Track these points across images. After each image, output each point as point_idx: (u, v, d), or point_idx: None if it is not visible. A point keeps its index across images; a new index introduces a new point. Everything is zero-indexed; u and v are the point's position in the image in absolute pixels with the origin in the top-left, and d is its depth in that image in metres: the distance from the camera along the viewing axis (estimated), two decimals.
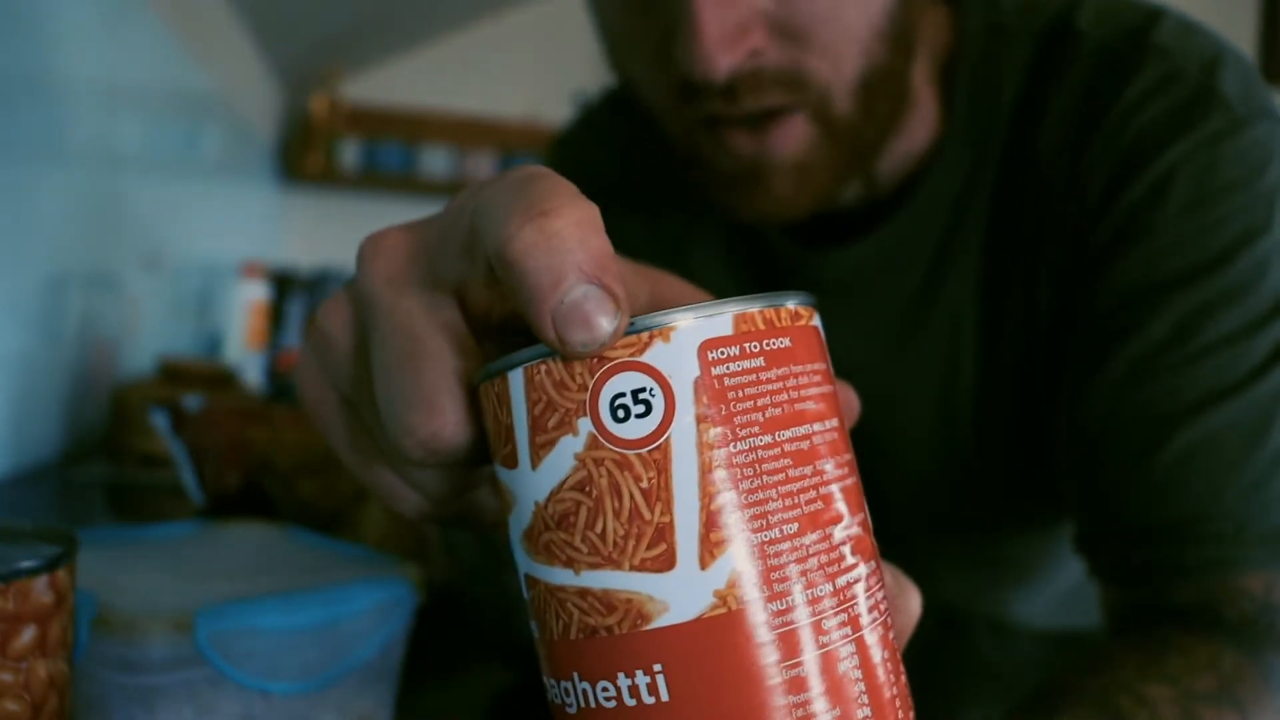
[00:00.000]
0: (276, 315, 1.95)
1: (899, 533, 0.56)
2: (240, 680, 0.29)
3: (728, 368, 0.16)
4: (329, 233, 2.39)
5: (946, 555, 0.55)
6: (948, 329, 0.45)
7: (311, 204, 2.39)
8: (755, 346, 0.16)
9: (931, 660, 0.63)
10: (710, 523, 0.15)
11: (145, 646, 0.27)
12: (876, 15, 0.38)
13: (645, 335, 0.15)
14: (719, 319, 0.16)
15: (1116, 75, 0.40)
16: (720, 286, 0.50)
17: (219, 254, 1.64)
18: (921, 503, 0.52)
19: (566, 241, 0.15)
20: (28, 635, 0.23)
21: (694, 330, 0.16)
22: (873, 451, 0.50)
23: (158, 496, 0.82)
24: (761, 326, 0.16)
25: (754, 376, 0.16)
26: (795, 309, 0.17)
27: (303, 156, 2.23)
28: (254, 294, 1.39)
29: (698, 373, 0.15)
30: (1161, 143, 0.38)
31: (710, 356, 0.16)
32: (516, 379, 0.16)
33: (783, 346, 0.16)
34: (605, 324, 0.15)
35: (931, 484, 0.51)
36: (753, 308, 0.16)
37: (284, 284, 2.01)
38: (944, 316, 0.45)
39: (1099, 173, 0.39)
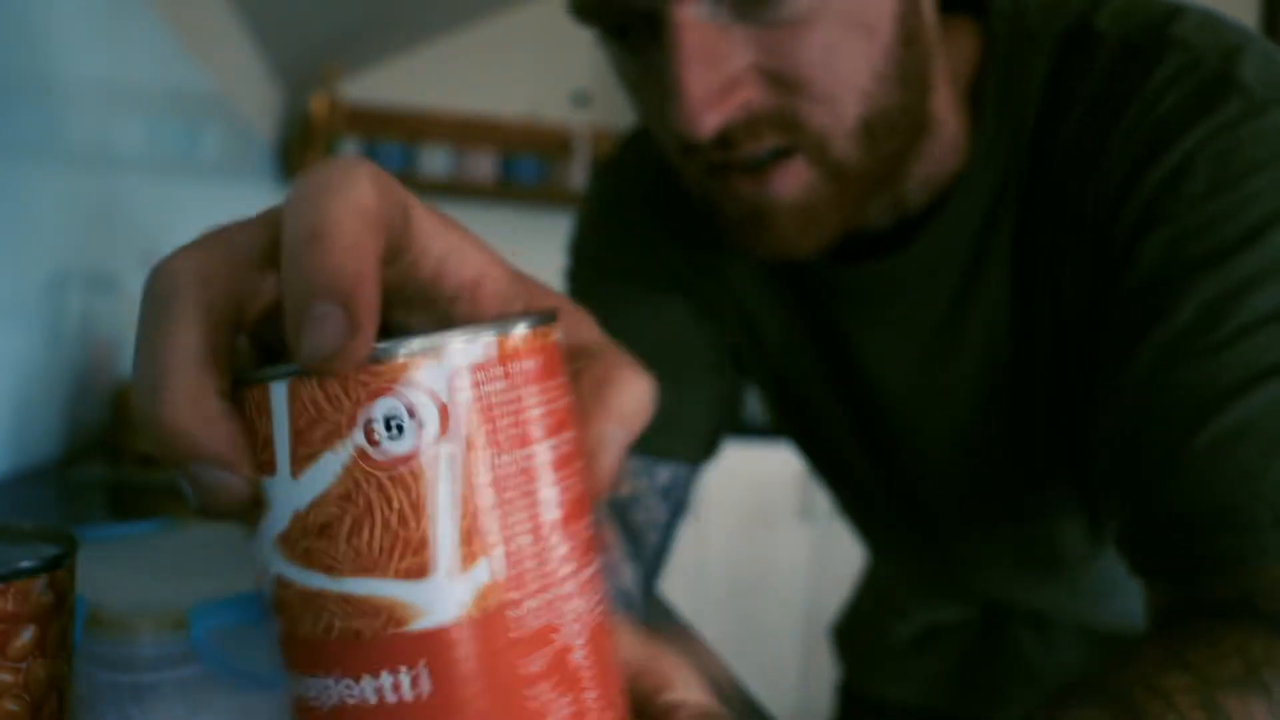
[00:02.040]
0: None
1: (938, 529, 0.56)
2: (235, 677, 0.29)
3: (485, 389, 0.17)
4: None
5: (987, 551, 0.56)
6: (981, 336, 0.46)
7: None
8: (512, 368, 0.17)
9: (974, 658, 0.64)
10: (467, 534, 0.17)
11: (138, 645, 0.27)
12: (876, 59, 0.38)
13: (413, 357, 0.16)
14: (480, 343, 0.17)
15: (1136, 69, 0.39)
16: (760, 302, 0.51)
17: None
18: (959, 501, 0.53)
19: (324, 263, 0.16)
20: (27, 635, 0.23)
21: (457, 353, 0.17)
22: (910, 451, 0.51)
23: (158, 497, 0.83)
24: (520, 348, 0.18)
25: (508, 396, 0.17)
26: (546, 329, 0.18)
27: (302, 156, 2.23)
28: None
29: (458, 394, 0.17)
30: (1181, 129, 0.37)
31: (471, 379, 0.17)
32: (280, 390, 0.17)
33: (533, 366, 0.18)
34: (338, 344, 0.16)
35: (968, 482, 0.52)
36: (511, 331, 0.17)
37: None
38: (977, 324, 0.46)
39: (1120, 164, 0.39)
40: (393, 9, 2.07)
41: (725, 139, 0.38)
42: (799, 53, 0.37)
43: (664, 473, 0.52)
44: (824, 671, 2.18)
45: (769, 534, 2.07)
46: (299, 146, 2.26)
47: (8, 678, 0.23)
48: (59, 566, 0.24)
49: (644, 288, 0.51)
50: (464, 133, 2.35)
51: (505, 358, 0.17)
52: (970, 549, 0.57)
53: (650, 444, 0.51)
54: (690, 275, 0.51)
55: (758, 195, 0.39)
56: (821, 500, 2.06)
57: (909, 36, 0.39)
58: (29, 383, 0.86)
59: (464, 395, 0.17)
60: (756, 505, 2.06)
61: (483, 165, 2.32)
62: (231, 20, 1.63)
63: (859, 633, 0.73)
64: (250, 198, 1.99)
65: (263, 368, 0.17)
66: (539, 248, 2.44)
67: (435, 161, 2.30)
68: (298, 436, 0.17)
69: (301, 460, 0.17)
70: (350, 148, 2.27)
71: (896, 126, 0.39)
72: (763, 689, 0.58)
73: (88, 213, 0.98)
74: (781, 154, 0.39)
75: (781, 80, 0.37)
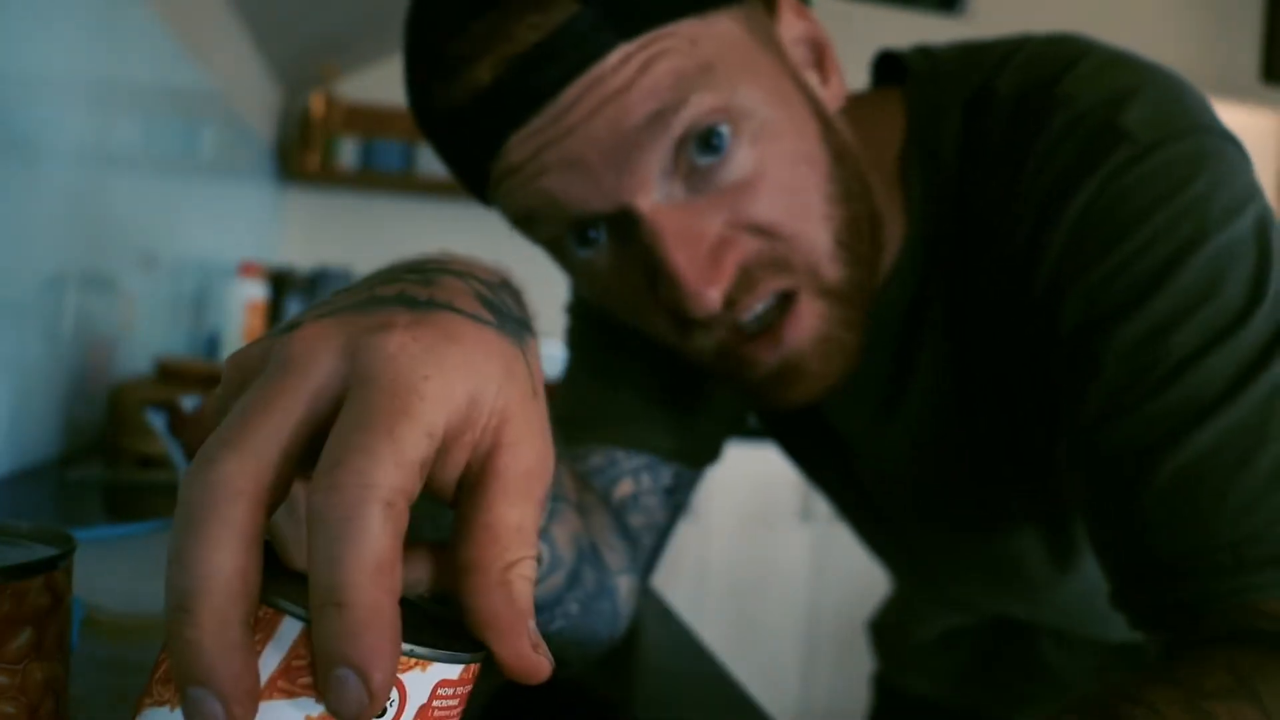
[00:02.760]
0: (274, 315, 1.95)
1: (915, 549, 0.59)
2: None
3: (443, 701, 0.21)
4: (327, 232, 2.39)
5: (960, 571, 0.58)
6: (924, 397, 0.47)
7: (309, 203, 2.39)
8: (463, 688, 0.22)
9: (996, 659, 0.65)
10: None
11: (135, 647, 0.27)
12: (823, 184, 0.40)
13: (409, 660, 0.20)
14: (454, 665, 0.21)
15: (1028, 130, 0.40)
16: (728, 396, 0.53)
17: (216, 253, 1.65)
18: (926, 529, 0.55)
19: (344, 630, 0.18)
20: (24, 637, 0.23)
21: (439, 670, 0.21)
22: (877, 489, 0.53)
23: (155, 498, 0.83)
24: (470, 673, 0.22)
25: (451, 706, 0.21)
26: (482, 658, 0.22)
27: (300, 155, 2.23)
28: (252, 293, 1.39)
29: (424, 700, 0.20)
30: (1071, 187, 0.38)
31: (439, 691, 0.21)
32: (291, 626, 0.19)
33: (469, 685, 0.22)
34: (358, 706, 0.18)
35: (931, 515, 0.53)
36: (471, 660, 0.22)
37: (282, 283, 2.01)
38: (919, 387, 0.47)
39: (1023, 226, 0.40)
40: (391, 7, 2.07)
41: (729, 300, 0.39)
42: (761, 203, 0.39)
43: (667, 473, 0.52)
44: (825, 670, 2.18)
45: (770, 535, 2.07)
46: (297, 145, 2.25)
47: (4, 679, 0.23)
48: (56, 568, 0.24)
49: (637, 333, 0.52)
50: None
51: (463, 679, 0.21)
52: (946, 568, 0.58)
53: (656, 444, 0.51)
54: (671, 368, 0.52)
55: (780, 353, 0.41)
56: (822, 502, 2.07)
57: (839, 152, 0.41)
58: (26, 383, 0.86)
59: (428, 701, 0.20)
60: (757, 506, 2.06)
61: None
62: (229, 19, 1.62)
63: (890, 628, 0.74)
64: (248, 197, 1.98)
65: (286, 594, 0.20)
66: (537, 249, 2.44)
67: (434, 161, 2.30)
68: (284, 672, 0.19)
69: (274, 691, 0.19)
70: (348, 147, 2.27)
71: (859, 233, 0.41)
72: (763, 689, 0.58)
73: (85, 212, 0.98)
74: (783, 300, 0.40)
75: (757, 229, 0.39)
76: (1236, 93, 2.66)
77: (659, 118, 0.36)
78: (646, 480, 0.51)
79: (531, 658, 0.22)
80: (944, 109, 0.43)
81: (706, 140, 0.37)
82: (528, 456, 0.23)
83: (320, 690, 0.18)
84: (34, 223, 0.85)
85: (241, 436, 0.20)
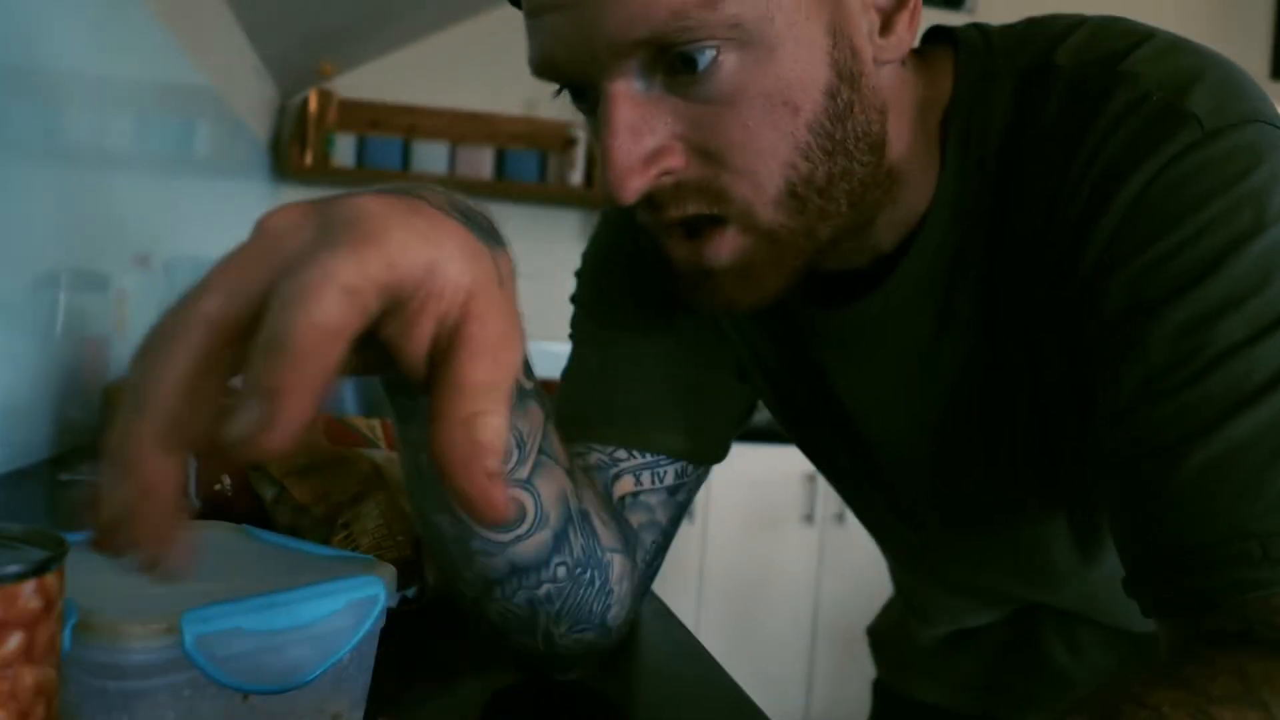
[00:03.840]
0: None
1: (932, 539, 0.58)
2: (225, 683, 0.29)
3: None
4: None
5: (978, 559, 0.57)
6: (953, 371, 0.47)
7: (305, 200, 2.38)
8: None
9: (1003, 663, 0.64)
10: None
11: (128, 651, 0.27)
12: (800, 134, 0.39)
13: None
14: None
15: (1087, 105, 0.39)
16: (754, 334, 0.54)
17: (211, 251, 1.63)
18: (946, 518, 0.55)
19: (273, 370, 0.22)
20: (14, 642, 0.23)
21: None
22: (896, 475, 0.53)
23: None
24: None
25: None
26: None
27: (296, 153, 2.23)
28: None
29: None
30: (1129, 167, 0.38)
31: None
32: None
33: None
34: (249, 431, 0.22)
35: (952, 503, 0.53)
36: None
37: None
38: (949, 359, 0.46)
39: (1075, 204, 0.39)
40: (387, 4, 2.07)
41: (653, 201, 0.40)
42: (721, 130, 0.39)
43: (670, 471, 0.51)
44: (827, 674, 2.19)
45: (773, 536, 2.07)
46: (293, 142, 2.25)
47: None
48: (47, 571, 0.24)
49: (644, 326, 0.53)
50: (459, 128, 2.35)
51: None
52: (967, 558, 0.58)
53: (661, 443, 0.51)
54: (686, 317, 0.53)
55: (694, 257, 0.41)
56: (825, 503, 2.07)
57: (845, 108, 0.40)
58: (18, 382, 0.86)
59: None
60: (761, 507, 2.06)
61: (479, 161, 2.31)
62: (225, 16, 1.62)
63: (891, 634, 0.73)
64: (243, 194, 1.98)
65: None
66: (537, 244, 2.44)
67: (430, 157, 2.29)
68: None
69: None
70: (345, 144, 2.26)
71: (830, 190, 0.41)
72: (767, 692, 0.58)
73: (77, 210, 0.97)
74: (713, 221, 0.40)
75: (705, 153, 0.39)
76: None
77: (644, 43, 0.37)
78: (648, 478, 0.50)
79: (487, 488, 0.23)
80: (996, 76, 0.43)
81: (690, 57, 0.38)
82: (495, 326, 0.25)
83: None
84: (26, 220, 0.84)
85: (213, 282, 0.24)
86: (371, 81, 2.35)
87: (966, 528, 0.54)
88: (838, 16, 0.39)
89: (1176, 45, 0.41)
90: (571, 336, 0.55)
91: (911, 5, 0.41)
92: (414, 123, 2.33)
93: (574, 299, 0.56)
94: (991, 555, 0.56)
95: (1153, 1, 2.69)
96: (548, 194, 2.34)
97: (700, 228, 0.41)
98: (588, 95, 0.41)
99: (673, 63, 0.38)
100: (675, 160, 0.39)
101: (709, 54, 0.37)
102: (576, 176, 2.33)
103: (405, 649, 0.49)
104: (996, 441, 0.48)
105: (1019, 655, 0.64)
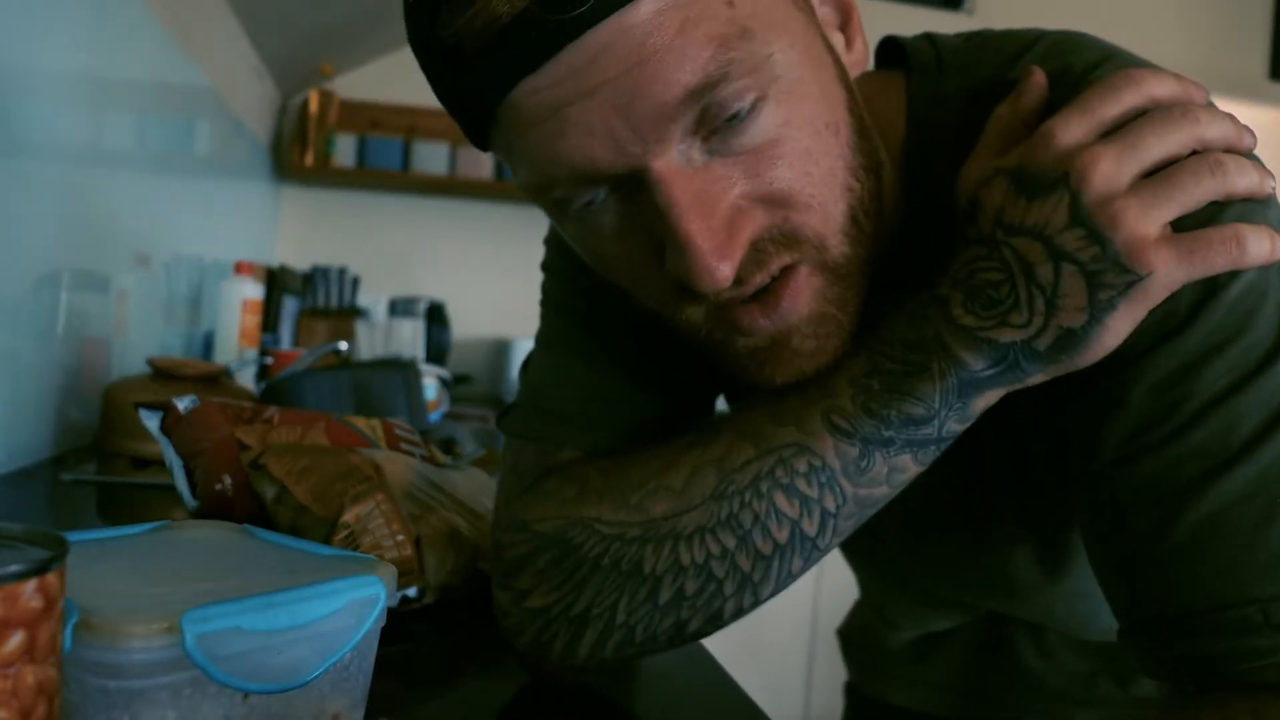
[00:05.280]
0: (270, 314, 1.95)
1: (906, 574, 0.58)
2: (225, 682, 0.29)
3: None
4: (323, 230, 2.39)
5: (940, 571, 0.57)
6: None
7: (306, 201, 2.38)
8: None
9: (975, 666, 0.64)
10: None
11: (129, 651, 0.27)
12: (847, 153, 0.38)
13: None
14: None
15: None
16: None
17: (211, 252, 1.64)
18: (929, 553, 0.54)
19: None
20: (15, 641, 0.23)
21: None
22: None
23: (149, 498, 0.82)
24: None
25: None
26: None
27: (297, 153, 2.23)
28: (247, 292, 1.39)
29: None
30: None
31: None
32: None
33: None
34: None
35: (915, 518, 0.52)
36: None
37: (277, 282, 2.01)
38: None
39: None
40: (387, 4, 2.07)
41: (737, 276, 0.37)
42: (780, 169, 0.37)
43: None
44: (828, 677, 2.18)
45: None
46: (293, 143, 2.25)
47: None
48: (48, 570, 0.24)
49: (612, 336, 0.49)
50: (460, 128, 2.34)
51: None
52: (925, 568, 0.57)
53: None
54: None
55: (774, 322, 0.39)
56: None
57: (861, 125, 0.40)
58: (19, 382, 0.86)
59: None
60: None
61: (479, 161, 2.31)
62: (225, 16, 1.62)
63: (861, 637, 0.73)
64: (244, 194, 1.98)
65: None
66: (536, 244, 2.43)
67: (431, 158, 2.29)
68: None
69: None
70: (345, 144, 2.26)
71: (872, 211, 0.40)
72: (766, 692, 0.58)
73: (78, 210, 0.97)
74: (783, 271, 0.38)
75: (770, 200, 0.37)
76: (1244, 91, 2.67)
77: (697, 94, 0.34)
78: None
79: None
80: (945, 100, 0.42)
81: (732, 109, 0.35)
82: None
83: None
84: (27, 221, 0.84)
85: None
86: (371, 81, 2.35)
87: (931, 546, 0.54)
88: (823, 35, 0.39)
89: (1138, 67, 0.40)
90: (547, 310, 0.52)
91: (856, 19, 0.41)
92: (414, 123, 2.33)
93: (546, 267, 0.53)
94: (953, 568, 0.55)
95: (1152, 2, 2.69)
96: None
97: (771, 290, 0.38)
98: (599, 195, 0.38)
99: (713, 122, 0.35)
100: (752, 222, 0.37)
101: (749, 99, 0.35)
102: None
103: (405, 649, 0.49)
104: (968, 477, 0.47)
105: (990, 658, 0.63)
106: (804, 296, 0.38)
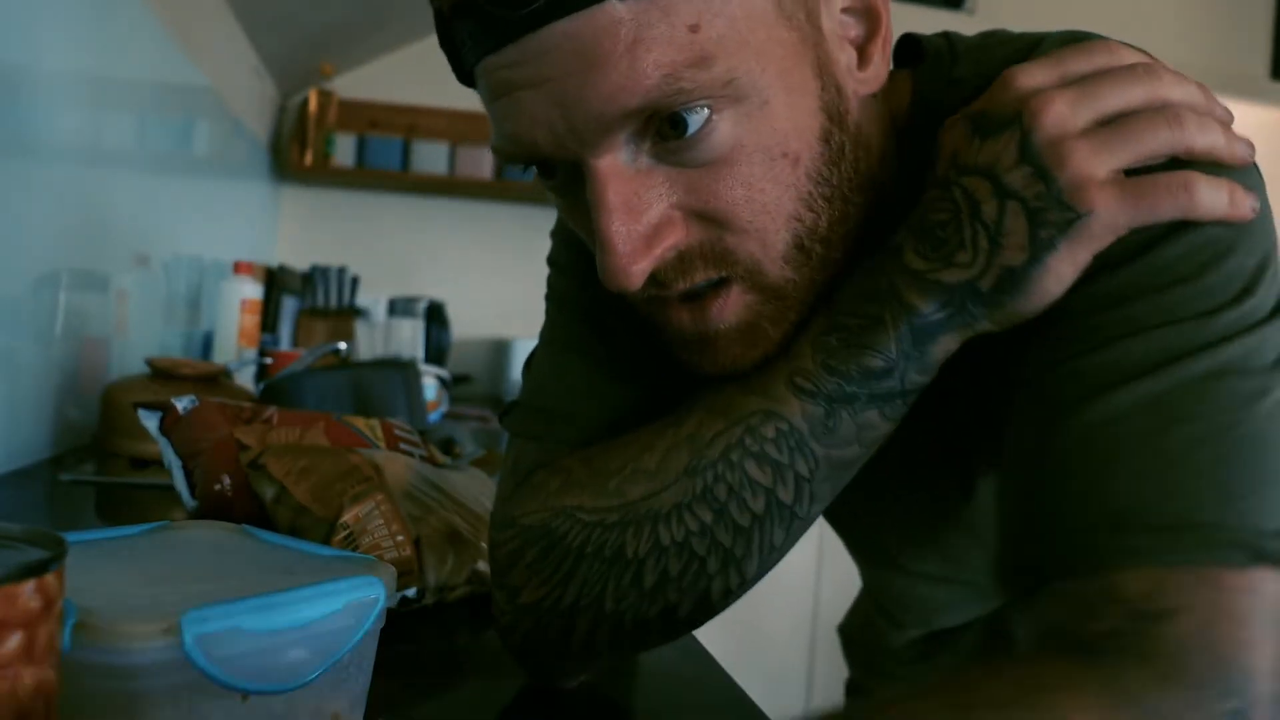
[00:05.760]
0: (269, 314, 1.94)
1: (901, 566, 0.58)
2: (225, 683, 0.29)
3: None
4: (323, 230, 2.39)
5: (920, 567, 0.57)
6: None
7: (305, 200, 2.38)
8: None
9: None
10: None
11: (129, 652, 0.27)
12: (802, 184, 0.38)
13: None
14: None
15: None
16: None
17: (211, 251, 1.64)
18: (916, 548, 0.54)
19: None
20: (13, 642, 0.23)
21: None
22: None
23: (148, 498, 0.82)
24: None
25: None
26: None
27: (296, 152, 2.23)
28: (246, 292, 1.39)
29: None
30: None
31: None
32: None
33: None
34: None
35: (915, 498, 0.52)
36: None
37: (277, 282, 2.01)
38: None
39: None
40: (387, 4, 2.07)
41: (657, 279, 0.38)
42: (722, 191, 0.37)
43: None
44: (829, 674, 2.18)
45: None
46: (293, 143, 2.25)
47: None
48: (47, 571, 0.24)
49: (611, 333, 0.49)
50: (460, 128, 2.35)
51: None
52: (905, 537, 0.57)
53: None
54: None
55: (698, 323, 0.40)
56: None
57: (839, 151, 0.39)
58: (18, 382, 0.85)
59: None
60: None
61: (479, 161, 2.31)
62: (225, 15, 1.62)
63: (862, 635, 0.73)
64: (243, 194, 1.98)
65: None
66: (536, 245, 2.43)
67: (431, 158, 2.29)
68: None
69: None
70: (344, 143, 2.26)
71: (831, 237, 0.39)
72: (767, 693, 0.58)
73: (77, 210, 0.97)
74: (715, 283, 0.39)
75: (705, 217, 0.37)
76: (1246, 90, 2.67)
77: (636, 112, 0.35)
78: None
79: None
80: (959, 82, 0.42)
81: (678, 119, 0.35)
82: None
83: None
84: (26, 220, 0.84)
85: None
86: (371, 81, 2.35)
87: (912, 512, 0.53)
88: (821, 55, 0.38)
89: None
90: (552, 303, 0.51)
91: (883, 33, 0.40)
92: (414, 123, 2.33)
93: (552, 261, 0.52)
94: (936, 532, 0.54)
95: (1153, 2, 2.69)
96: (547, 194, 2.34)
97: (703, 291, 0.39)
98: (557, 172, 0.39)
99: (661, 129, 0.35)
100: (677, 233, 0.37)
101: (702, 114, 0.35)
102: None
103: (405, 649, 0.49)
104: (946, 436, 0.47)
105: (995, 659, 0.63)
106: (732, 310, 0.39)
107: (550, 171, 0.39)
